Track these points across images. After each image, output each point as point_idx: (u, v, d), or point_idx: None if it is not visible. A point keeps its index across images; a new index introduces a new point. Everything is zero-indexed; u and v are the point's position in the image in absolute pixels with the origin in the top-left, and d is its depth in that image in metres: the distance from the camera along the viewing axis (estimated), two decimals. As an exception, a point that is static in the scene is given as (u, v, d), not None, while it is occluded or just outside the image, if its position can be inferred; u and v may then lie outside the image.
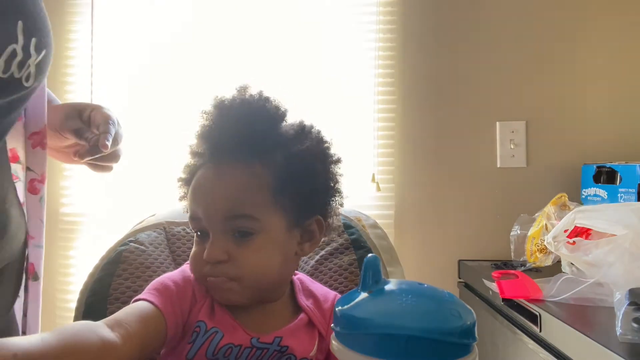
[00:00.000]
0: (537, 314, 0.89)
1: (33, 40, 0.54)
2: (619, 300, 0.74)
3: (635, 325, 0.70)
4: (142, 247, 0.74)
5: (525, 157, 1.51)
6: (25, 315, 0.66)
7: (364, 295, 0.46)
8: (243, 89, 0.63)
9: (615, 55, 1.52)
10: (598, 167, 1.37)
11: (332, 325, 0.46)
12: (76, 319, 0.68)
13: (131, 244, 0.73)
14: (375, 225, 0.85)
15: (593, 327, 0.81)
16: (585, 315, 0.86)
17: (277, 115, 0.63)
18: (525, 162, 1.51)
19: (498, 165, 1.52)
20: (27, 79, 0.55)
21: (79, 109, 0.70)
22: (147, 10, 1.54)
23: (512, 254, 1.26)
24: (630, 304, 0.72)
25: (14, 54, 0.52)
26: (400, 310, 0.43)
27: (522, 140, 1.51)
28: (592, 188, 1.36)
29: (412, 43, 1.53)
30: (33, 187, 0.66)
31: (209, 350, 0.59)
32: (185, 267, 0.65)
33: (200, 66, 1.51)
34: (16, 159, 0.66)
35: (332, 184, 0.64)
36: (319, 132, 0.65)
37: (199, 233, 0.62)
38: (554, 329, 0.84)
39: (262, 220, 0.59)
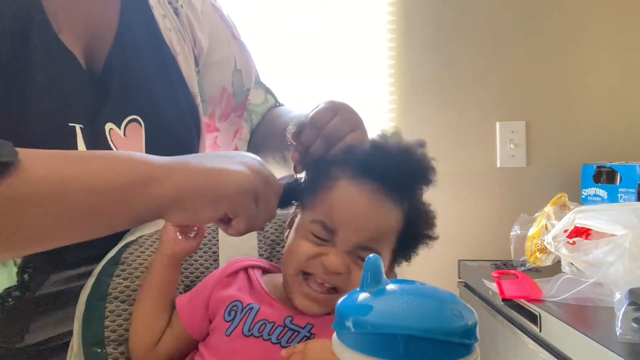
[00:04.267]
0: (537, 314, 0.89)
1: None
2: (619, 300, 0.74)
3: (635, 325, 0.70)
4: (142, 248, 0.74)
5: (525, 157, 1.51)
6: None
7: (365, 295, 0.46)
8: (419, 143, 0.69)
9: (615, 55, 1.52)
10: (598, 167, 1.37)
11: (333, 325, 0.46)
12: (77, 317, 0.69)
13: (131, 245, 0.74)
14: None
15: (593, 327, 0.81)
16: (585, 315, 0.86)
17: (431, 175, 0.68)
18: (525, 162, 1.51)
19: (498, 165, 1.52)
20: None
21: None
22: None
23: (512, 254, 1.26)
24: (630, 304, 0.72)
25: None
26: (401, 310, 0.43)
27: (522, 140, 1.51)
28: (592, 188, 1.36)
29: (411, 43, 1.53)
30: None
31: (244, 327, 0.62)
32: (229, 265, 0.69)
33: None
34: None
35: (426, 245, 0.69)
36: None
37: (317, 237, 0.63)
38: (554, 329, 0.84)
39: (383, 259, 0.62)
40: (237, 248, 0.77)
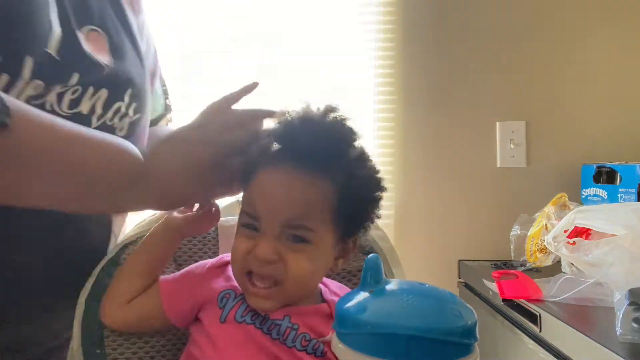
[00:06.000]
0: (537, 314, 0.89)
1: (134, 105, 0.75)
2: (619, 300, 0.74)
3: (635, 325, 0.70)
4: (142, 247, 0.74)
5: (525, 157, 1.51)
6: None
7: (365, 294, 0.46)
8: (328, 109, 0.64)
9: (615, 55, 1.52)
10: (598, 167, 1.37)
11: (333, 324, 0.46)
12: (77, 318, 0.69)
13: (130, 246, 0.73)
14: (376, 227, 0.85)
15: (593, 327, 0.81)
16: (585, 315, 0.86)
17: (352, 137, 0.64)
18: (525, 162, 1.51)
19: (498, 165, 1.52)
20: (120, 130, 0.74)
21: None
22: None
23: (512, 254, 1.26)
24: (630, 304, 0.72)
25: (119, 109, 0.73)
26: (401, 310, 0.43)
27: (522, 140, 1.51)
28: (592, 188, 1.36)
29: (411, 43, 1.53)
30: None
31: (237, 313, 0.63)
32: (220, 258, 0.69)
33: (201, 69, 1.52)
34: None
35: (377, 210, 0.67)
36: (372, 160, 0.67)
37: (248, 229, 0.63)
38: (554, 329, 0.84)
39: (318, 233, 0.61)
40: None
